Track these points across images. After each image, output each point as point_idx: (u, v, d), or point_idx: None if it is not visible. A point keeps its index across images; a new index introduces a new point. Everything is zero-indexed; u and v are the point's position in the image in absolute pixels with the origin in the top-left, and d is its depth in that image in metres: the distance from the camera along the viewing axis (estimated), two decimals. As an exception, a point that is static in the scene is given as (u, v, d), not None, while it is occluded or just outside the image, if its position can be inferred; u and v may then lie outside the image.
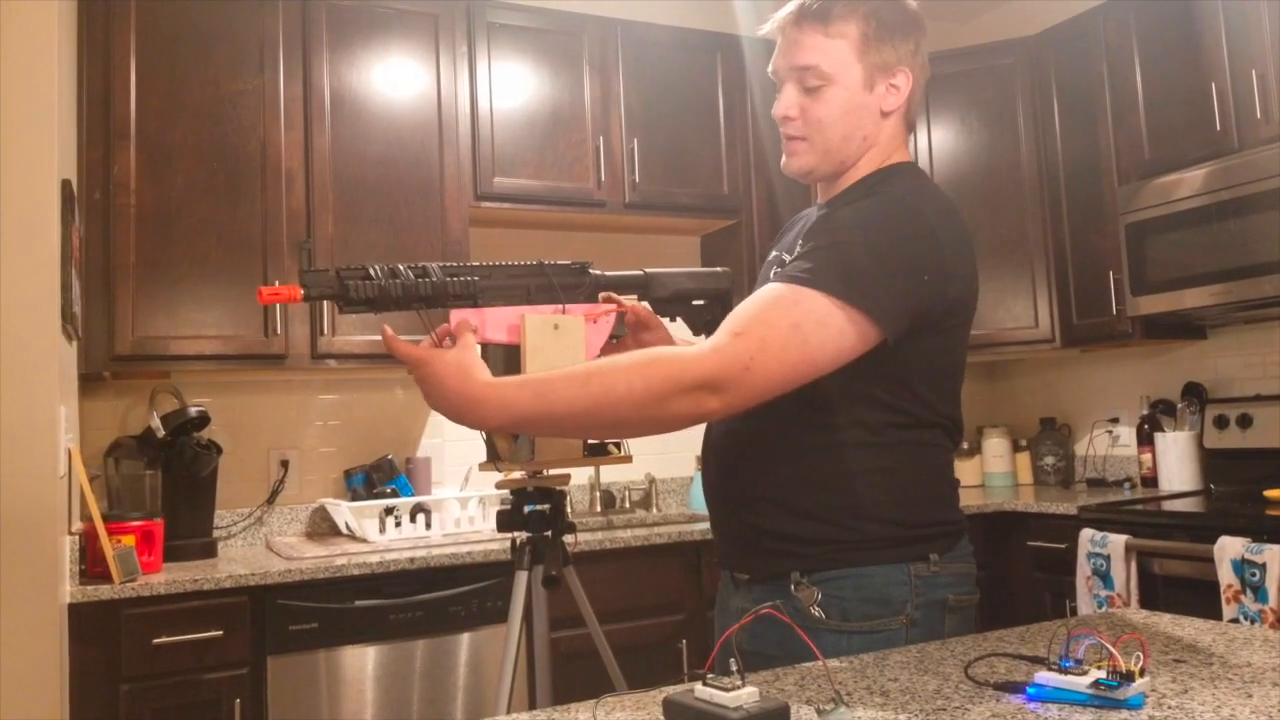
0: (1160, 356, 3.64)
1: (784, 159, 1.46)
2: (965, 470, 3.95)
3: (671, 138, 3.49)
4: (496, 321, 1.39)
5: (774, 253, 1.52)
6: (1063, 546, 3.09)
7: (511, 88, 3.26)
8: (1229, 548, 2.54)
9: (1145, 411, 3.57)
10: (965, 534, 1.42)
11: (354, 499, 3.11)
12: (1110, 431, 3.80)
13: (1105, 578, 2.85)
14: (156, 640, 2.38)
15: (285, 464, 3.19)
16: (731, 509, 1.45)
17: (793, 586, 1.34)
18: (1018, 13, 4.12)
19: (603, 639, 1.71)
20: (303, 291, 1.29)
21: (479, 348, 1.33)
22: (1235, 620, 2.49)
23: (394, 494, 3.05)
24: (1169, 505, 3.05)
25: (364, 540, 2.88)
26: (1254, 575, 2.46)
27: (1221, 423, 3.29)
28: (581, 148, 3.34)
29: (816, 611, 1.32)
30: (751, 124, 3.62)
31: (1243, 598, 2.49)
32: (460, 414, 1.24)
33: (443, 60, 3.17)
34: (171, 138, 2.81)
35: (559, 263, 1.46)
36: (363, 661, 2.58)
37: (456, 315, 1.36)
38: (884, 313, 1.24)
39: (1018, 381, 4.23)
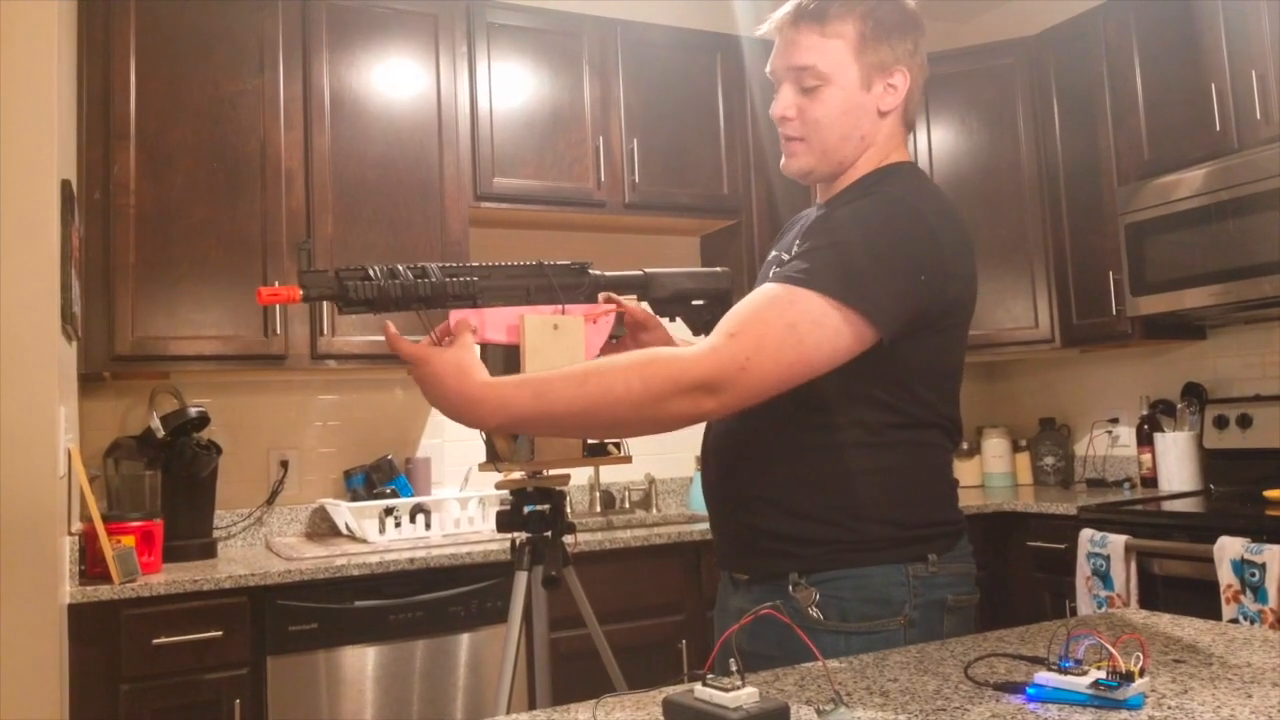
0: (1160, 357, 3.64)
1: (783, 160, 1.46)
2: (965, 470, 3.95)
3: (671, 138, 3.49)
4: (496, 322, 1.39)
5: (773, 252, 1.52)
6: (1062, 547, 3.09)
7: (511, 88, 3.26)
8: (1229, 548, 2.54)
9: (1145, 412, 3.57)
10: (964, 534, 1.42)
11: (354, 499, 3.11)
12: (1110, 432, 3.80)
13: (1105, 578, 2.85)
14: (156, 640, 2.38)
15: (285, 464, 3.19)
16: (730, 509, 1.45)
17: (791, 587, 1.34)
18: (1018, 13, 4.12)
19: (602, 639, 1.71)
20: (302, 292, 1.29)
21: (478, 348, 1.34)
22: (1235, 620, 2.49)
23: (394, 494, 3.05)
24: (1169, 505, 3.05)
25: (364, 541, 2.88)
26: (1254, 575, 2.46)
27: (1221, 423, 3.29)
28: (581, 148, 3.34)
29: (814, 612, 1.32)
30: (751, 124, 3.62)
31: (1242, 598, 2.49)
32: (458, 413, 1.25)
33: (442, 60, 3.17)
34: (171, 138, 2.81)
35: (558, 263, 1.47)
36: (362, 662, 2.58)
37: (456, 315, 1.36)
38: (880, 313, 1.24)
39: (1017, 382, 4.23)
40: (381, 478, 3.13)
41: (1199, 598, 2.61)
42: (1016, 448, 3.97)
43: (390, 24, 3.11)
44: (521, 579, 1.60)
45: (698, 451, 1.55)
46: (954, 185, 3.62)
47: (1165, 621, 1.31)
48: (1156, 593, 2.78)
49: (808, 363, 1.22)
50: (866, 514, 1.34)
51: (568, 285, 1.46)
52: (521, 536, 1.62)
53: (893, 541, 1.34)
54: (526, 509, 1.60)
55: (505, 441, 1.46)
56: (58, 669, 2.16)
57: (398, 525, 2.89)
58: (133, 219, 2.74)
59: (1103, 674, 0.95)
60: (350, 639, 2.57)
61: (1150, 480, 3.49)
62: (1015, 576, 3.30)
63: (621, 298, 1.50)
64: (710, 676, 0.93)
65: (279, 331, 2.87)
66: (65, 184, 2.33)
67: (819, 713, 0.96)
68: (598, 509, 3.56)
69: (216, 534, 2.96)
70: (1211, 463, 3.32)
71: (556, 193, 3.29)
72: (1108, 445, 3.81)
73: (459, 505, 3.00)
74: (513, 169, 3.23)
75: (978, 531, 3.25)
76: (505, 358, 1.40)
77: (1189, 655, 1.13)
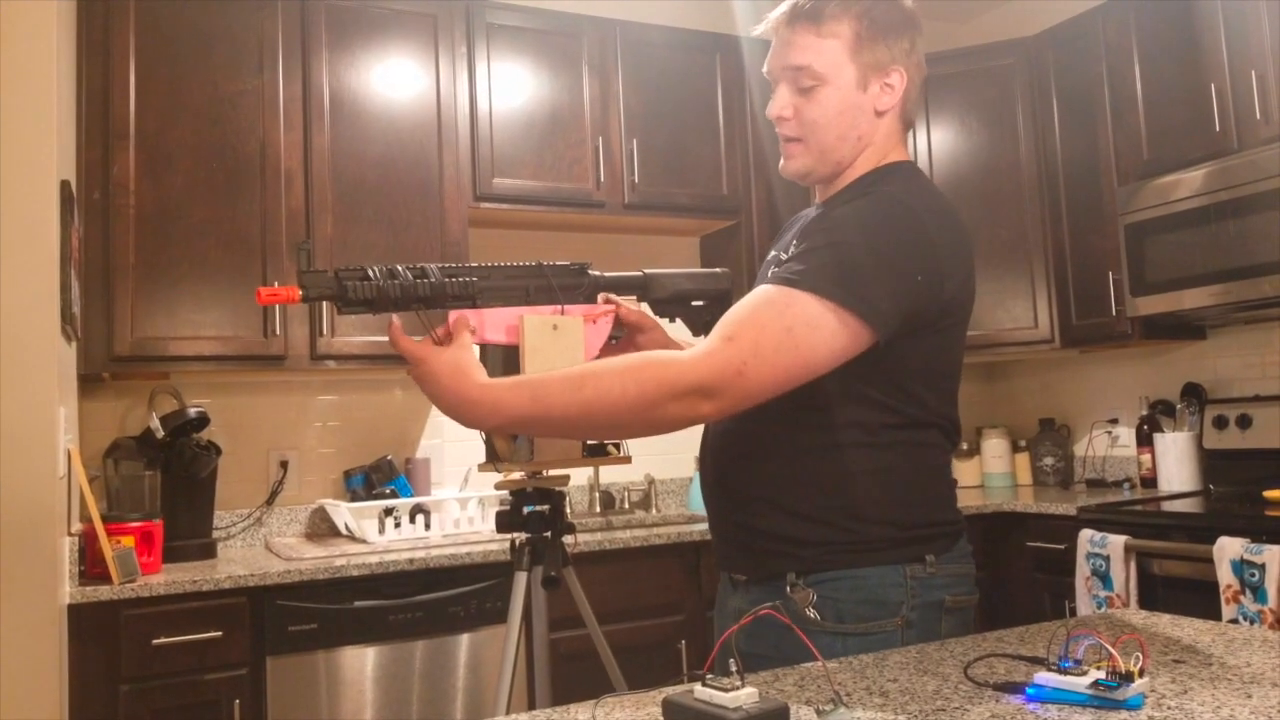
0: (1159, 357, 3.64)
1: (781, 162, 1.46)
2: (964, 471, 3.95)
3: (671, 138, 3.49)
4: (495, 322, 1.39)
5: (772, 252, 1.52)
6: (1062, 547, 3.09)
7: (510, 88, 3.26)
8: (1228, 548, 2.54)
9: (1144, 412, 3.57)
10: (963, 534, 1.42)
11: (353, 500, 3.11)
12: (1109, 432, 3.80)
13: (1104, 578, 2.85)
14: (156, 641, 2.38)
15: (284, 465, 3.19)
16: (728, 509, 1.45)
17: (788, 588, 1.34)
18: (1017, 13, 4.12)
19: (602, 640, 1.71)
20: (301, 292, 1.29)
21: (477, 348, 1.33)
22: (1234, 621, 2.49)
23: (393, 495, 3.05)
24: (1168, 506, 3.05)
25: (363, 541, 2.88)
26: (1253, 576, 2.46)
27: (1221, 423, 3.29)
28: (580, 148, 3.34)
29: (811, 613, 1.32)
30: (751, 124, 3.62)
31: (1242, 598, 2.49)
32: (455, 413, 1.25)
33: (442, 61, 3.17)
34: (171, 138, 2.81)
35: (558, 263, 1.46)
36: (362, 662, 2.58)
37: (455, 315, 1.36)
38: (876, 314, 1.24)
39: (1017, 382, 4.23)
40: (381, 478, 3.13)
41: (1199, 598, 2.61)
42: (1016, 448, 3.98)
43: (390, 24, 3.11)
44: (521, 579, 1.60)
45: (697, 452, 1.55)
46: (954, 185, 3.63)
47: (1165, 622, 1.31)
48: (1156, 593, 2.78)
49: (804, 365, 1.22)
50: (864, 514, 1.33)
51: (567, 286, 1.46)
52: (521, 537, 1.62)
53: (891, 542, 1.33)
54: (526, 509, 1.60)
55: (505, 442, 1.46)
56: (57, 669, 2.16)
57: (397, 526, 2.89)
58: (132, 219, 2.74)
59: (1102, 674, 0.95)
60: (350, 639, 2.57)
61: (1150, 480, 3.49)
62: (1015, 577, 3.30)
63: (621, 298, 1.49)
64: (710, 677, 0.93)
65: (278, 332, 2.87)
66: (65, 184, 2.33)
67: (819, 713, 0.96)
68: (597, 509, 3.56)
69: (216, 534, 2.96)
70: (1211, 463, 3.32)
71: (556, 193, 3.29)
72: (1107, 445, 3.81)
73: (459, 505, 3.00)
74: (512, 169, 3.23)
75: (977, 532, 3.25)
76: (504, 358, 1.40)
77: (1188, 655, 1.13)
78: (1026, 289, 3.61)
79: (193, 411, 2.87)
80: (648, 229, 3.69)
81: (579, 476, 3.54)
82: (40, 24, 2.18)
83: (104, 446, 2.86)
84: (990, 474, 3.93)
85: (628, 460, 1.58)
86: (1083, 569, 2.93)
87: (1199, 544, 2.65)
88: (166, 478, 2.79)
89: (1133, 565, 2.80)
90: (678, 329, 1.56)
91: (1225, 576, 2.53)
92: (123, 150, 2.75)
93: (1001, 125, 3.68)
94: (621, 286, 1.51)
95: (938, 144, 3.72)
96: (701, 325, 1.57)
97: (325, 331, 2.92)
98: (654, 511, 3.57)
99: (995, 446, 3.93)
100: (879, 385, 1.33)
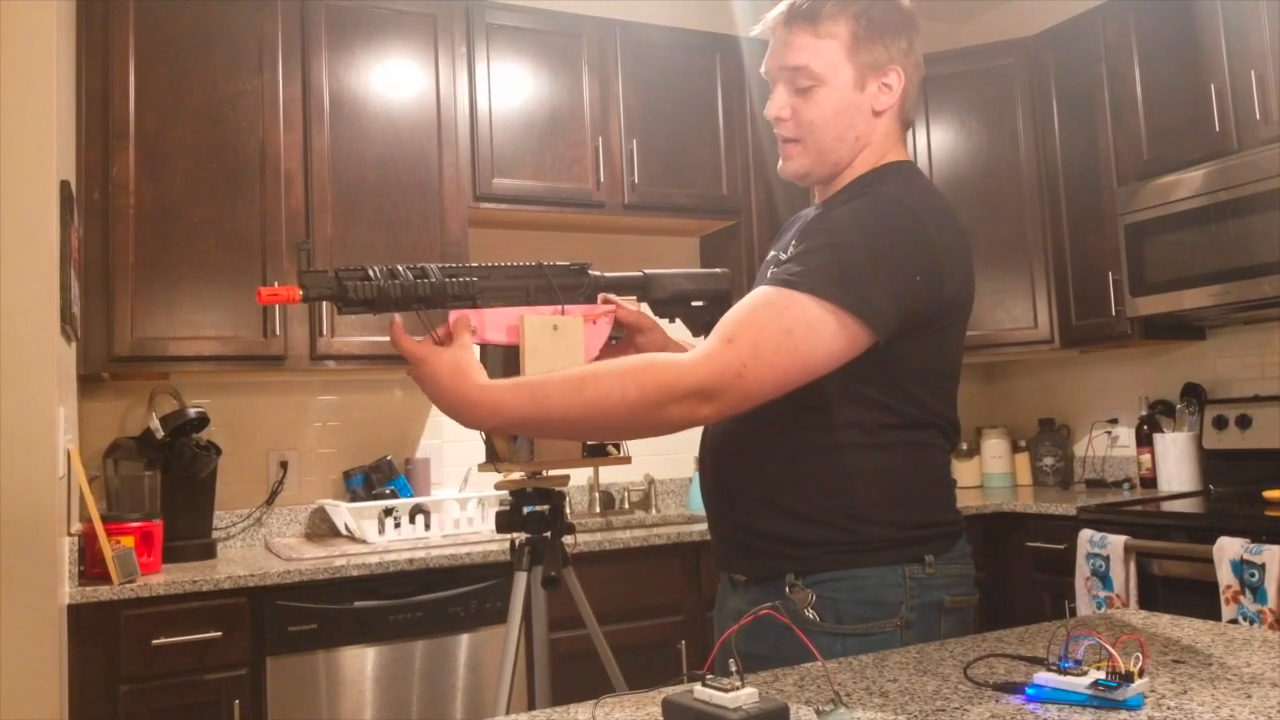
0: (1159, 357, 3.64)
1: (780, 163, 1.46)
2: (964, 471, 3.95)
3: (670, 139, 3.49)
4: (495, 322, 1.39)
5: (771, 252, 1.52)
6: (1062, 547, 3.09)
7: (510, 89, 3.26)
8: (1228, 548, 2.54)
9: (1144, 412, 3.57)
10: (963, 535, 1.41)
11: (353, 500, 3.11)
12: (1109, 432, 3.80)
13: (1104, 578, 2.85)
14: (156, 641, 2.38)
15: (284, 465, 3.19)
16: (727, 510, 1.45)
17: (787, 588, 1.34)
18: (1017, 13, 4.12)
19: (602, 640, 1.71)
20: (301, 292, 1.29)
21: (477, 348, 1.33)
22: (1234, 621, 2.49)
23: (393, 495, 3.05)
24: (1168, 506, 3.05)
25: (363, 541, 2.88)
26: (1253, 576, 2.46)
27: (1220, 423, 3.29)
28: (580, 149, 3.34)
29: (810, 614, 1.32)
30: (750, 125, 3.62)
31: (1242, 598, 2.49)
32: (454, 414, 1.25)
33: (441, 61, 3.17)
34: (170, 138, 2.81)
35: (558, 264, 1.46)
36: (362, 662, 2.58)
37: (456, 315, 1.36)
38: (875, 315, 1.24)
39: (1017, 382, 4.23)
40: (381, 478, 3.13)
41: (1198, 598, 2.61)
42: (1016, 448, 3.98)
43: (389, 24, 3.11)
44: (521, 579, 1.60)
45: (696, 452, 1.55)
46: (953, 186, 3.63)
47: (1165, 622, 1.31)
48: (1156, 593, 2.78)
49: (804, 367, 1.22)
50: (863, 515, 1.33)
51: (567, 286, 1.46)
52: (521, 537, 1.62)
53: (890, 542, 1.33)
54: (526, 509, 1.60)
55: (505, 442, 1.46)
56: (57, 669, 2.16)
57: (397, 526, 2.89)
58: (132, 219, 2.74)
59: (1102, 674, 0.95)
60: (350, 639, 2.57)
61: (1150, 481, 3.49)
62: (1014, 577, 3.30)
63: (621, 298, 1.49)
64: (710, 677, 0.93)
65: (278, 332, 2.87)
66: (64, 184, 2.33)
67: (818, 713, 0.96)
68: (597, 509, 3.56)
69: (216, 534, 2.96)
70: (1211, 463, 3.32)
71: (556, 193, 3.29)
72: (1107, 446, 3.81)
73: (458, 506, 3.00)
74: (512, 170, 3.23)
75: (977, 532, 3.25)
76: (505, 358, 1.40)
77: (1188, 656, 1.13)
78: (1026, 289, 3.61)
79: (192, 412, 2.87)
80: (647, 229, 3.69)
81: (579, 477, 3.54)
82: (40, 24, 2.18)
83: (104, 447, 2.86)
84: (990, 474, 3.93)
85: (628, 461, 1.58)
86: (1082, 569, 2.93)
87: (1199, 544, 2.65)
88: (166, 478, 2.79)
89: (1132, 565, 2.80)
90: (678, 329, 1.56)
91: (1225, 577, 2.53)
92: (122, 150, 2.75)
93: (1001, 125, 3.68)
94: (621, 287, 1.51)
95: (937, 144, 3.72)
96: (701, 326, 1.57)
97: (325, 332, 2.92)
98: (654, 512, 3.57)
99: (995, 447, 3.93)
100: (878, 385, 1.33)
